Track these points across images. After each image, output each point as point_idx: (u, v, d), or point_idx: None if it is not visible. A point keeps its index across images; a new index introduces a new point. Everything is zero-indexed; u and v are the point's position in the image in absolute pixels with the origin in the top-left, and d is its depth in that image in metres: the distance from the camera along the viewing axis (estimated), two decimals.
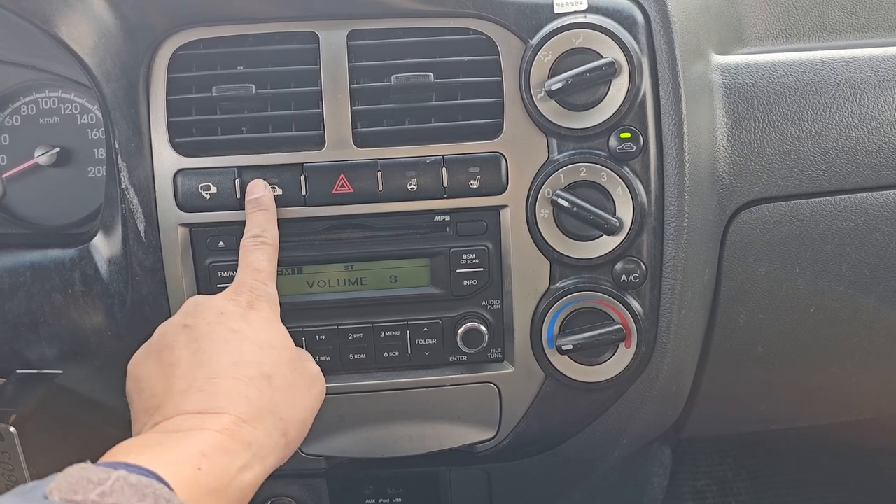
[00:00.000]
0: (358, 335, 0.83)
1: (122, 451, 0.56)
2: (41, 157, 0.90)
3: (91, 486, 0.48)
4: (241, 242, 0.76)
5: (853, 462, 1.35)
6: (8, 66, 0.91)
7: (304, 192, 0.79)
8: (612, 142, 0.79)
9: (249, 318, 0.69)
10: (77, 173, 0.92)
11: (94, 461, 0.52)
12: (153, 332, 0.80)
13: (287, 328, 0.81)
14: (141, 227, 0.80)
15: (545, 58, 0.78)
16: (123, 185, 0.79)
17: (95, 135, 0.92)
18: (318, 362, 0.83)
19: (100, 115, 0.90)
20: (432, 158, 0.79)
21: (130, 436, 0.62)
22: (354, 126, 0.79)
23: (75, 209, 0.92)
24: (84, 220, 0.91)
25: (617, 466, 1.02)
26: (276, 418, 0.64)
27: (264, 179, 0.78)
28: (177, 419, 0.61)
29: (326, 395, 0.74)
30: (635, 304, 0.82)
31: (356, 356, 0.84)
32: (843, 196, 0.87)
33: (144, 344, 0.70)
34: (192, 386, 0.63)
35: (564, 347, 0.81)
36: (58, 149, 0.91)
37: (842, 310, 0.93)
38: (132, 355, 0.70)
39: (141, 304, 0.81)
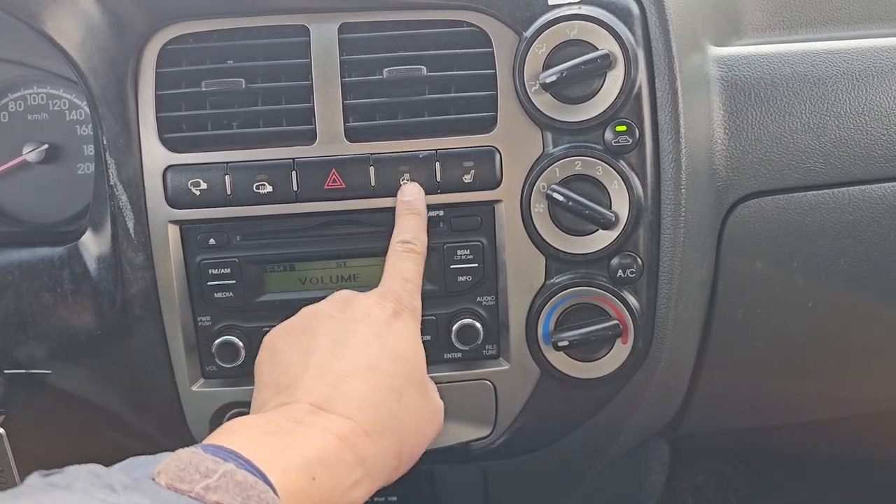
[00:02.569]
0: None
1: (239, 432, 0.55)
2: (29, 153, 0.89)
3: (198, 477, 0.47)
4: (391, 245, 0.74)
5: (852, 457, 1.35)
6: None
7: (295, 188, 0.78)
8: (608, 135, 0.78)
9: (394, 327, 0.67)
10: (66, 170, 0.91)
11: (85, 462, 0.49)
12: (144, 330, 0.80)
13: None
14: (130, 224, 0.79)
15: (539, 50, 0.77)
16: (112, 182, 0.78)
17: (84, 131, 0.91)
18: None
19: (88, 111, 0.89)
20: (425, 153, 0.78)
21: (122, 435, 0.61)
22: (346, 120, 0.78)
23: (64, 206, 0.91)
24: (73, 217, 0.90)
25: (615, 463, 1.01)
26: (395, 438, 0.62)
27: (258, 175, 0.77)
28: (302, 407, 0.59)
29: None
30: (632, 300, 0.81)
31: None
32: (842, 189, 0.86)
33: (287, 321, 0.70)
34: (324, 377, 0.62)
35: (560, 343, 0.80)
36: (46, 145, 0.90)
37: (840, 304, 0.92)
38: (122, 355, 0.69)
39: (131, 303, 0.80)
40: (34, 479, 0.45)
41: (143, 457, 0.50)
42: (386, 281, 0.72)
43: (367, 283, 0.81)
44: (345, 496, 0.57)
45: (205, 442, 0.54)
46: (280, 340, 0.68)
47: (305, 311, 0.70)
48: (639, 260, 0.80)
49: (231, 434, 0.55)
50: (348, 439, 0.58)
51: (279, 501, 0.49)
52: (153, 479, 0.47)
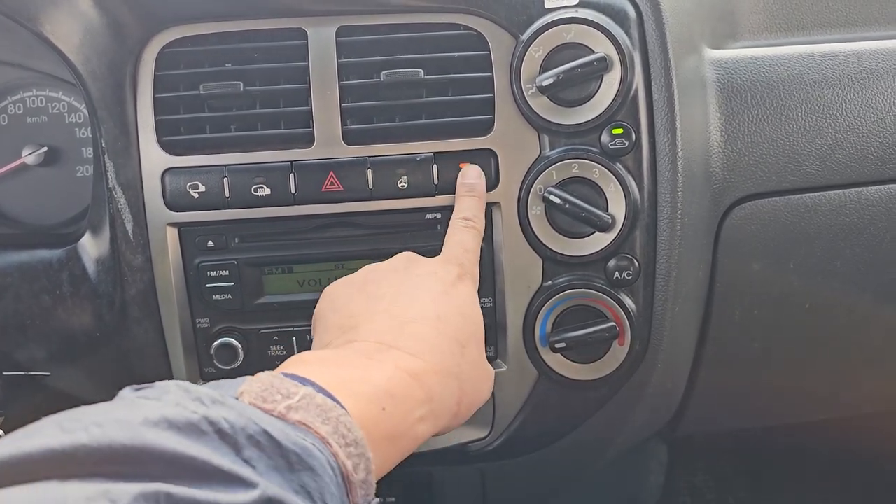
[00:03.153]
0: None
1: (310, 363, 0.56)
2: (29, 156, 0.89)
3: (279, 398, 0.48)
4: (451, 221, 0.76)
5: (850, 458, 1.35)
6: None
7: (293, 191, 0.78)
8: (605, 138, 0.79)
9: (458, 288, 0.68)
10: (65, 173, 0.91)
11: None
12: (142, 332, 0.80)
13: (279, 328, 0.82)
14: (129, 226, 0.79)
15: (536, 53, 0.77)
16: (111, 185, 0.78)
17: (83, 134, 0.91)
18: None
19: (87, 113, 0.89)
20: (423, 156, 0.78)
21: None
22: (344, 123, 0.78)
23: (63, 209, 0.91)
24: (72, 219, 0.90)
25: (613, 464, 1.01)
26: (458, 385, 0.63)
27: (256, 178, 0.77)
28: (371, 344, 0.60)
29: None
30: (629, 302, 0.81)
31: None
32: (838, 191, 0.87)
33: (344, 277, 0.70)
34: (393, 321, 0.62)
35: (557, 345, 0.80)
36: (45, 148, 0.90)
37: (837, 305, 0.92)
38: (121, 357, 0.70)
39: (129, 305, 0.80)
40: (126, 392, 0.47)
41: (226, 380, 0.51)
42: (448, 249, 0.73)
43: None
44: (411, 430, 0.57)
45: (277, 371, 0.54)
46: (342, 291, 0.69)
47: (368, 268, 0.71)
48: (635, 262, 0.81)
49: (302, 364, 0.56)
50: (417, 376, 0.58)
51: (355, 427, 0.50)
52: (237, 399, 0.48)
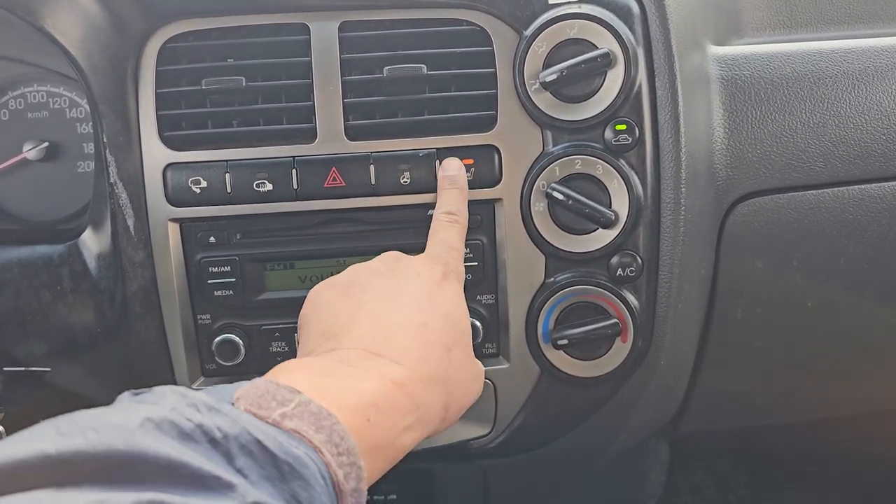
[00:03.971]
0: None
1: (293, 372, 0.55)
2: (30, 151, 0.89)
3: (274, 405, 0.49)
4: (434, 217, 0.75)
5: (852, 456, 1.35)
6: None
7: (295, 186, 0.78)
8: (608, 134, 0.78)
9: (443, 288, 0.67)
10: (66, 168, 0.91)
11: None
12: (143, 328, 0.80)
13: (280, 325, 0.82)
14: (130, 222, 0.78)
15: (539, 49, 0.77)
16: (112, 180, 0.78)
17: (84, 129, 0.91)
18: None
19: (88, 109, 0.89)
20: (425, 151, 0.78)
21: None
22: (346, 119, 0.78)
23: (65, 204, 0.91)
24: (74, 215, 0.90)
25: (614, 462, 1.01)
26: (444, 390, 0.62)
27: (258, 173, 0.77)
28: (354, 352, 0.60)
29: None
30: (631, 299, 0.81)
31: None
32: (841, 188, 0.86)
33: (329, 278, 0.70)
34: (376, 328, 0.62)
35: (560, 342, 0.80)
36: (46, 143, 0.89)
37: (840, 303, 0.92)
38: (122, 353, 0.69)
39: (130, 301, 0.80)
40: (125, 396, 0.48)
41: (222, 385, 0.52)
42: (431, 248, 0.72)
43: None
44: (398, 440, 0.57)
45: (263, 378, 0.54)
46: (325, 295, 0.68)
47: (353, 268, 0.70)
48: (638, 259, 0.80)
49: (286, 374, 0.55)
50: (403, 385, 0.58)
51: (349, 437, 0.50)
52: (232, 404, 0.48)
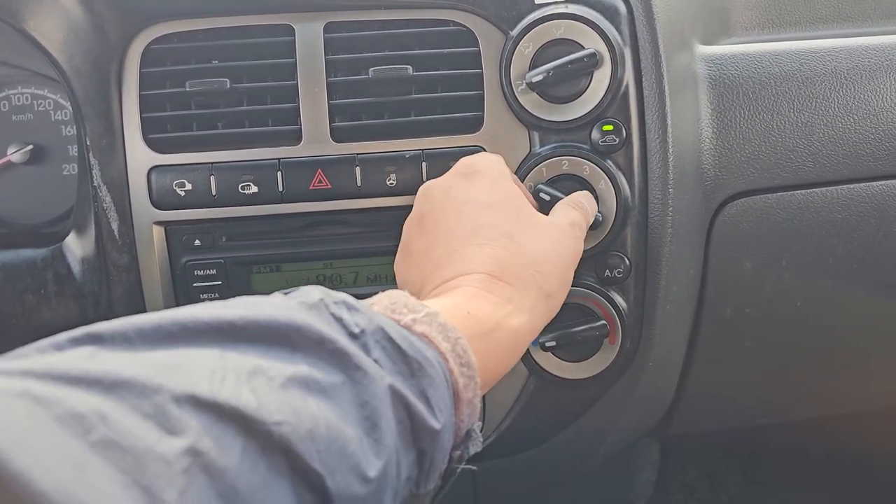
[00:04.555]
0: None
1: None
2: (14, 154, 0.88)
3: (406, 311, 0.52)
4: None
5: (843, 455, 1.35)
6: None
7: (280, 188, 0.77)
8: (595, 134, 0.78)
9: (476, 183, 0.68)
10: (51, 171, 0.90)
11: None
12: None
13: None
14: (114, 225, 0.78)
15: (526, 49, 0.77)
16: (96, 183, 0.77)
17: (70, 131, 0.90)
18: None
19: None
20: (412, 153, 0.78)
21: None
22: (332, 120, 0.78)
23: (50, 208, 0.90)
24: (59, 218, 0.89)
25: (605, 463, 1.01)
26: (530, 270, 0.62)
27: (243, 176, 0.77)
28: (429, 293, 0.61)
29: None
30: (619, 300, 0.81)
31: None
32: (830, 188, 0.86)
33: (400, 244, 0.70)
34: (439, 265, 0.63)
35: (547, 344, 0.80)
36: (31, 146, 0.89)
37: (829, 303, 0.92)
38: None
39: (115, 305, 0.79)
40: (276, 293, 0.50)
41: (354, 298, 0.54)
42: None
43: (354, 284, 0.81)
44: (503, 322, 0.58)
45: None
46: (398, 265, 0.69)
47: (404, 227, 0.71)
48: (626, 260, 0.80)
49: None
50: (483, 285, 0.59)
51: (470, 349, 0.52)
52: (371, 307, 0.51)
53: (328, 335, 0.44)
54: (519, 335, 0.59)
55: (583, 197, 0.76)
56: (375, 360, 0.46)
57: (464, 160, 0.71)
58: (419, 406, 0.47)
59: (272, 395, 0.39)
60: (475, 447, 0.55)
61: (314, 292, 0.48)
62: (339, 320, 0.46)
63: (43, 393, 0.33)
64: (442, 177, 0.70)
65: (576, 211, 0.72)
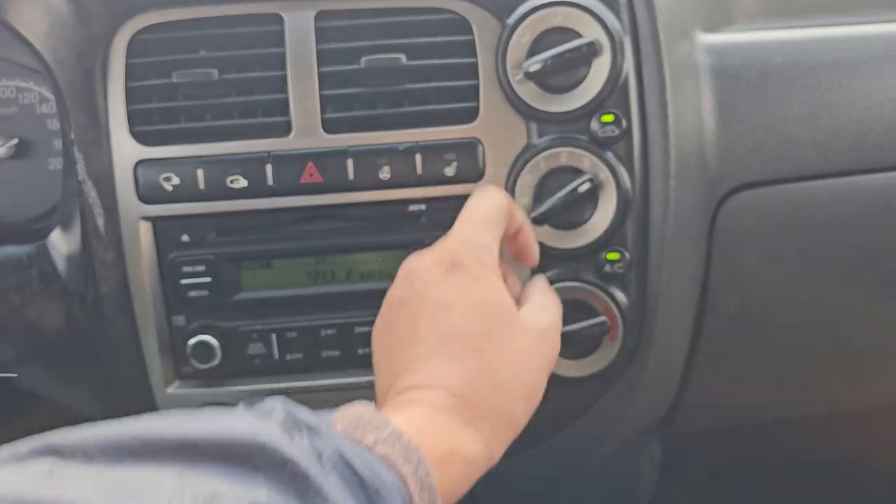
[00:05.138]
0: (331, 332, 0.80)
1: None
2: None
3: (370, 429, 0.50)
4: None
5: (847, 453, 1.34)
6: None
7: (270, 182, 0.75)
8: (594, 125, 0.76)
9: (453, 282, 0.62)
10: (37, 165, 0.88)
11: None
12: (116, 331, 0.78)
13: (257, 325, 0.79)
14: (100, 221, 0.76)
15: (522, 38, 0.75)
16: (81, 178, 0.76)
17: (55, 125, 0.88)
18: (288, 361, 0.79)
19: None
20: (405, 145, 0.76)
21: None
22: (323, 112, 0.76)
23: (36, 203, 0.88)
24: (45, 214, 0.87)
25: (606, 461, 1.00)
26: (497, 395, 0.60)
27: (231, 169, 0.75)
28: (393, 398, 0.59)
29: (299, 395, 0.70)
30: (620, 296, 0.79)
31: (329, 354, 0.80)
32: (835, 179, 0.84)
33: (378, 317, 0.66)
34: (407, 368, 0.60)
35: None
36: (16, 140, 0.87)
37: (833, 297, 0.90)
38: (94, 356, 0.68)
39: (102, 303, 0.77)
40: (241, 406, 0.50)
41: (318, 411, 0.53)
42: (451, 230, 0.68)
43: (347, 280, 0.79)
44: (459, 450, 0.56)
45: None
46: (374, 345, 0.66)
47: (385, 302, 0.66)
48: (626, 254, 0.78)
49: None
50: (442, 405, 0.57)
51: (432, 470, 0.51)
52: (332, 425, 0.50)
53: (290, 456, 0.44)
54: (473, 465, 0.57)
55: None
56: (335, 486, 0.45)
57: (448, 246, 0.65)
58: None
59: None
60: None
61: (278, 408, 0.48)
62: (300, 440, 0.46)
63: None
64: (425, 261, 0.64)
65: (553, 303, 0.69)
